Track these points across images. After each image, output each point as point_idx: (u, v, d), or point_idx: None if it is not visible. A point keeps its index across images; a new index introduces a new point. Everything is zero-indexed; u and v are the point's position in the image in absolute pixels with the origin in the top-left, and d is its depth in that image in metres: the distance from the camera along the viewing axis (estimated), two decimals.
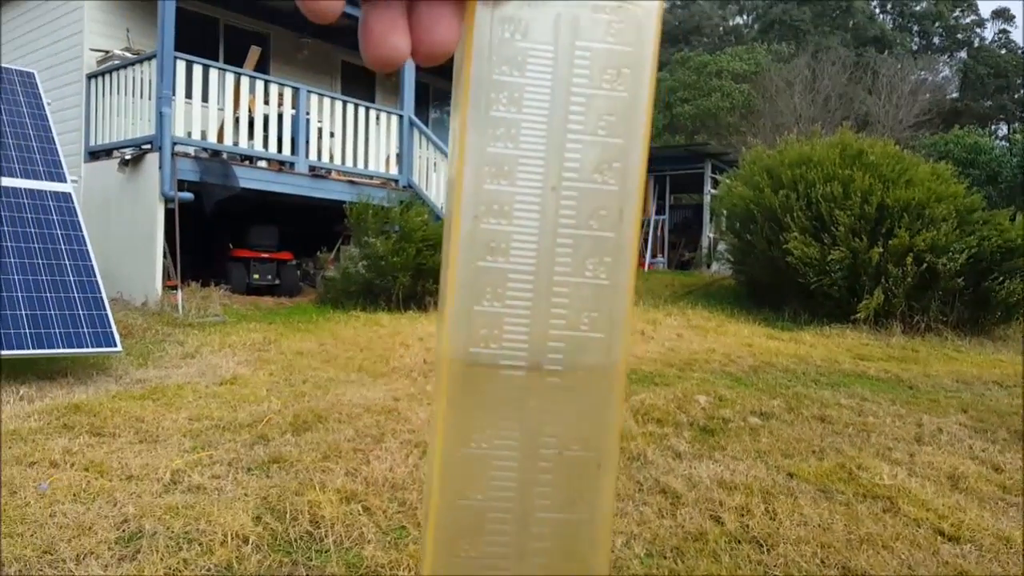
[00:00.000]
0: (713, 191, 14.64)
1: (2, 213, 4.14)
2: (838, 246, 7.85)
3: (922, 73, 25.59)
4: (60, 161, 4.58)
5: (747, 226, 9.12)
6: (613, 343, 0.35)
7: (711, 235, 14.42)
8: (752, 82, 26.85)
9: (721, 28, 37.14)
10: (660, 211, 16.40)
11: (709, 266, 14.04)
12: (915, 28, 33.96)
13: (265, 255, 8.51)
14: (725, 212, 10.07)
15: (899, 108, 22.51)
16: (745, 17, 36.95)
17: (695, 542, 2.27)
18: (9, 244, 4.04)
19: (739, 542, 2.29)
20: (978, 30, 36.59)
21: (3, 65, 4.90)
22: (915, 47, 32.93)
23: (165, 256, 7.22)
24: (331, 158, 8.68)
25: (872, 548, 2.28)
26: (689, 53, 31.33)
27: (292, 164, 8.23)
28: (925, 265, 7.51)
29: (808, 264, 7.98)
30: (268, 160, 8.13)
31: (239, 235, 8.56)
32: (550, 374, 0.35)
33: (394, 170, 9.36)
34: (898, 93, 22.76)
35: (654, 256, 15.88)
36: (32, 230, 4.18)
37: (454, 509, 0.35)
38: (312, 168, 8.38)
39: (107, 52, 8.34)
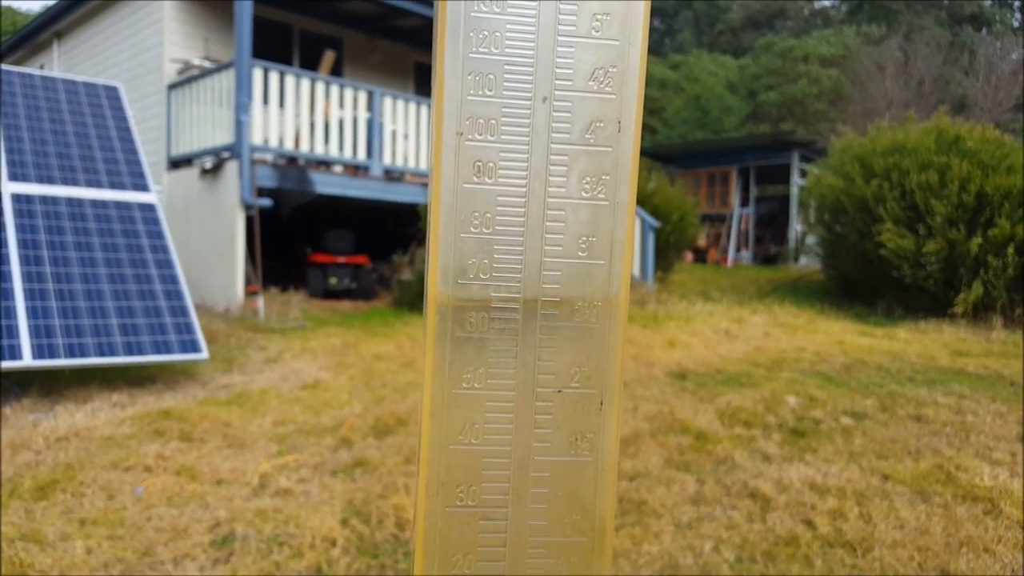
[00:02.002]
0: (801, 181, 14.17)
1: (92, 225, 4.36)
2: (934, 237, 7.47)
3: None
4: (145, 172, 4.79)
5: (837, 218, 8.83)
6: (613, 270, 0.32)
7: (799, 228, 13.95)
8: (840, 66, 25.81)
9: (806, 11, 35.84)
10: (744, 203, 15.97)
11: (797, 260, 13.59)
12: (1016, 3, 31.97)
13: (342, 259, 8.66)
14: (814, 203, 9.74)
15: (998, 89, 21.19)
16: None
17: (786, 547, 2.20)
18: (99, 255, 4.25)
19: (832, 546, 2.21)
20: None
21: (90, 80, 5.17)
22: (1016, 23, 31.00)
23: (245, 262, 7.42)
24: (405, 160, 8.76)
25: (973, 552, 2.15)
26: (773, 38, 30.35)
27: (367, 168, 8.35)
28: None
29: (902, 256, 7.62)
30: (343, 164, 8.27)
31: (316, 240, 8.75)
32: (546, 305, 0.32)
33: None
34: (997, 74, 21.44)
35: (738, 250, 15.48)
36: (120, 240, 4.39)
37: (447, 455, 0.32)
38: (387, 171, 8.48)
39: (186, 62, 8.61)
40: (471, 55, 0.30)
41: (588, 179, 0.31)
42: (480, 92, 0.30)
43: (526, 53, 0.30)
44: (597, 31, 0.31)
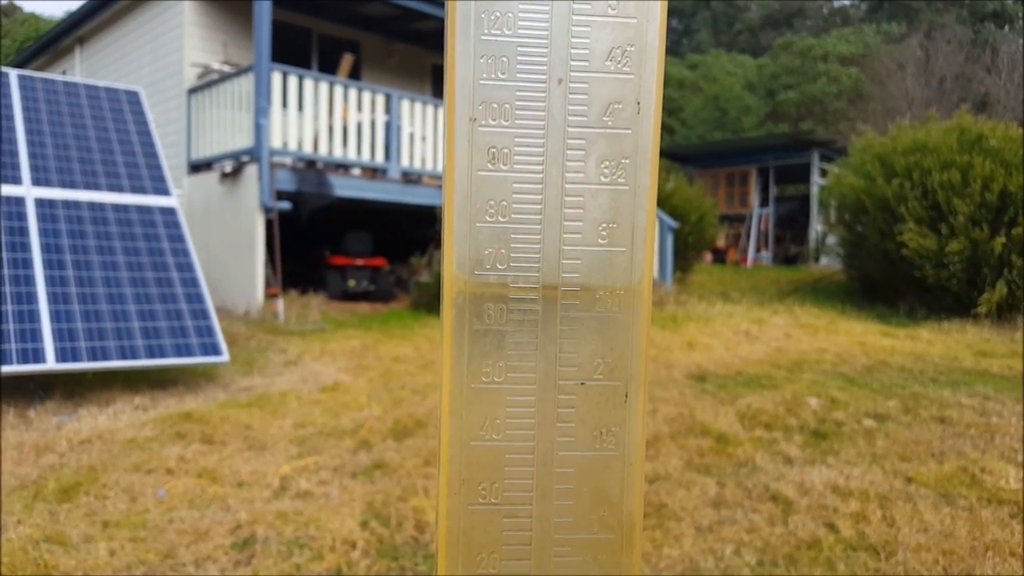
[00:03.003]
0: (821, 181, 14.07)
1: (114, 229, 4.41)
2: (956, 237, 7.38)
3: None
4: (165, 176, 4.84)
5: (858, 217, 8.78)
6: (635, 257, 0.30)
7: (819, 228, 13.85)
8: (860, 65, 25.63)
9: (825, 10, 35.63)
10: (764, 203, 15.88)
11: (817, 260, 13.49)
12: None
13: (360, 262, 8.70)
14: (834, 203, 9.68)
15: (1021, 87, 20.91)
16: None
17: (809, 550, 2.17)
18: (121, 258, 4.29)
19: (855, 550, 2.18)
20: None
21: (111, 85, 5.22)
22: None
23: (265, 265, 7.47)
24: (423, 163, 8.80)
25: (999, 556, 2.11)
26: (792, 37, 30.22)
27: (385, 171, 8.39)
28: None
29: (924, 256, 7.54)
30: (361, 167, 8.32)
31: (335, 243, 8.79)
32: (566, 295, 0.31)
33: None
34: (1020, 71, 21.15)
35: (758, 251, 15.38)
36: (141, 244, 4.43)
37: (468, 451, 0.31)
38: (404, 174, 8.52)
39: (206, 66, 8.69)
40: (483, 37, 0.29)
41: (607, 163, 0.30)
42: (493, 75, 0.29)
43: (540, 34, 0.29)
44: (613, 9, 0.29)
